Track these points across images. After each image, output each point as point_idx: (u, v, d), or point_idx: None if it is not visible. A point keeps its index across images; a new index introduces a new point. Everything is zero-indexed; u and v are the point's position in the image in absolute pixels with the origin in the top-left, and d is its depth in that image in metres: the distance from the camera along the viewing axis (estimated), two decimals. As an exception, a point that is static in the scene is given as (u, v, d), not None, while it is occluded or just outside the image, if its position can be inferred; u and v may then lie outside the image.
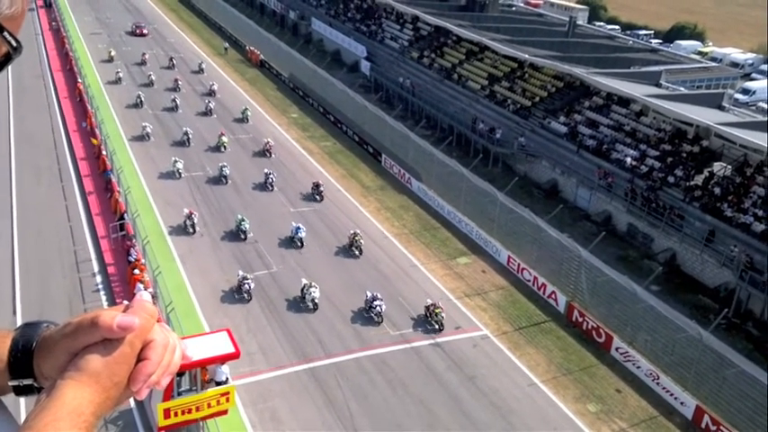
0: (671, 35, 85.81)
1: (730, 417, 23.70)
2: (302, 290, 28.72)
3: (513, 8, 77.60)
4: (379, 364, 26.10)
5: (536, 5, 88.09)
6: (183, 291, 29.37)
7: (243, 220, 33.64)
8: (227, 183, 39.72)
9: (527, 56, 50.35)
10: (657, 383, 26.00)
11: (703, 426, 24.25)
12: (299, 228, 33.50)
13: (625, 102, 44.85)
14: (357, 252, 33.44)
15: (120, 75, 57.37)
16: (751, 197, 35.43)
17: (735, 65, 71.13)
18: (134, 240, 30.92)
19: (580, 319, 29.56)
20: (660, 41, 74.73)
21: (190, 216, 33.84)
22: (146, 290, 26.66)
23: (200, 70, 61.58)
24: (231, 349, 20.23)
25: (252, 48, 68.55)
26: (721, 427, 23.66)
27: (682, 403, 25.14)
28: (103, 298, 28.73)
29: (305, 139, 49.33)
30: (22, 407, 2.37)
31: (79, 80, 53.00)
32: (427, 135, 48.69)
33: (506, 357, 27.26)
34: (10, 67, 1.81)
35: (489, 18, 64.90)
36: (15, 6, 1.68)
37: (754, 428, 23.05)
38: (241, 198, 38.55)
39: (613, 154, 41.40)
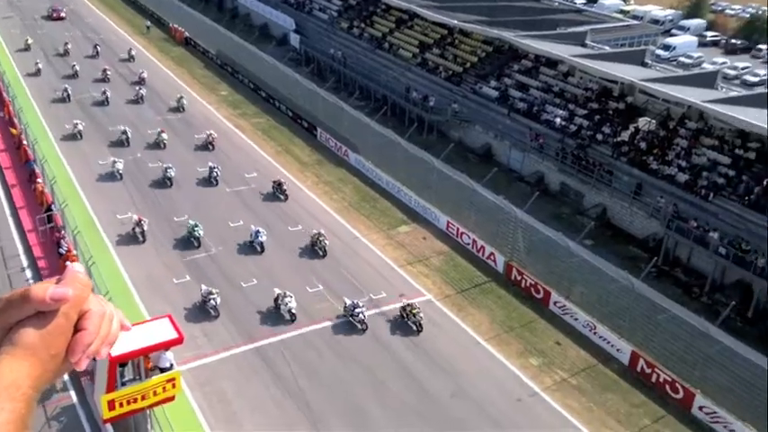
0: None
1: (664, 358, 24.97)
2: (276, 300, 26.99)
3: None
4: (327, 337, 26.23)
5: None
6: (118, 279, 28.64)
7: (196, 227, 31.37)
8: (171, 185, 36.67)
9: (456, 22, 50.52)
10: (595, 333, 27.11)
11: (639, 369, 25.50)
12: (258, 232, 31.26)
13: (553, 63, 45.71)
14: (299, 226, 33.33)
15: (40, 65, 52.90)
16: (674, 149, 36.91)
17: (655, 22, 73.37)
18: (63, 232, 29.82)
19: (519, 278, 30.40)
20: (584, 1, 76.26)
21: (139, 223, 31.34)
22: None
23: (130, 58, 57.13)
24: (174, 335, 19.76)
25: (175, 25, 66.29)
26: (656, 369, 24.94)
27: (618, 350, 26.32)
28: (35, 293, 27.68)
29: (237, 117, 48.35)
30: None
31: (-8, 69, 50.09)
32: (361, 106, 48.47)
33: (450, 320, 27.83)
34: None
35: (417, -15, 64.56)
36: None
37: (686, 368, 24.37)
38: (189, 199, 35.66)
39: (543, 115, 42.28)
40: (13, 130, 40.26)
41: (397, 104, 49.15)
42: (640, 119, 39.71)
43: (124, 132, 41.50)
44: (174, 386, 21.05)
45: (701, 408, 23.59)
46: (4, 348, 1.66)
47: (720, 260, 30.91)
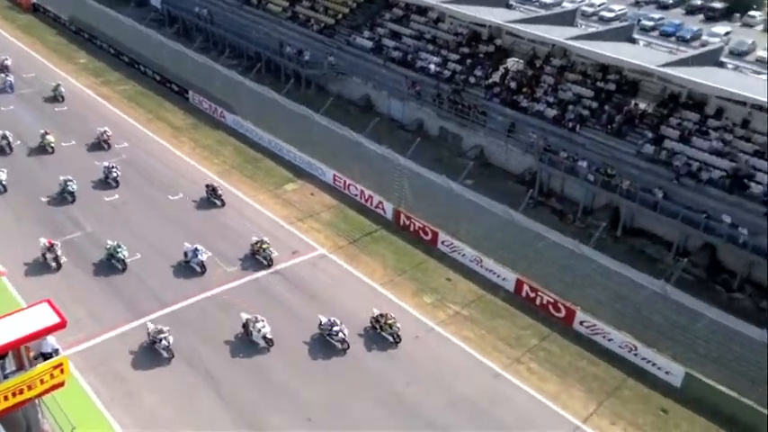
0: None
1: (545, 282, 26.64)
2: (244, 327, 23.94)
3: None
4: (221, 303, 25.73)
5: None
6: None
7: (118, 248, 27.11)
8: (73, 201, 31.41)
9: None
10: (481, 266, 28.39)
11: (524, 294, 27.08)
12: (197, 250, 27.06)
13: (423, 10, 46.12)
14: (180, 194, 32.06)
15: None
16: (542, 86, 38.68)
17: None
18: None
19: (407, 223, 31.09)
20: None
21: (50, 248, 26.85)
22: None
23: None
24: (55, 319, 18.72)
25: (19, -9, 60.47)
26: (539, 293, 26.59)
27: (504, 279, 27.75)
28: None
29: (99, 86, 45.25)
30: None
31: None
32: (234, 65, 46.83)
33: (345, 270, 28.11)
34: None
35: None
36: None
37: (566, 288, 26.15)
38: (95, 213, 31.01)
39: (418, 63, 42.77)
40: None
41: (272, 61, 47.91)
42: (509, 60, 41.15)
43: (4, 137, 35.82)
44: (62, 371, 20.02)
45: (581, 323, 25.49)
46: None
47: (590, 187, 33.10)
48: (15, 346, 18.59)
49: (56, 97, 42.23)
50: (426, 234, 30.36)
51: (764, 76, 35.71)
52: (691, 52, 39.12)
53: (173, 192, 32.91)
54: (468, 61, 41.62)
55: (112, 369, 22.62)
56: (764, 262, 27.77)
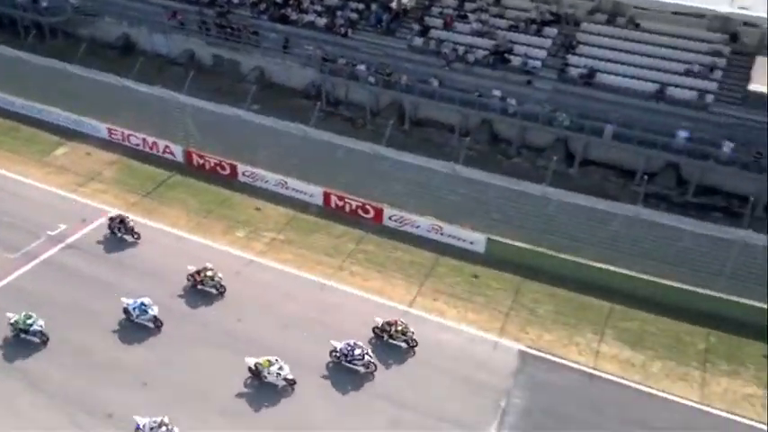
0: None
1: (349, 188, 27.40)
2: (255, 370, 19.99)
3: None
4: (13, 293, 23.07)
5: None
6: None
7: (29, 317, 21.29)
8: None
9: None
10: (287, 188, 28.35)
11: (333, 205, 27.67)
12: (143, 305, 21.77)
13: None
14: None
15: None
16: (306, -4, 38.04)
17: None
18: None
19: (201, 161, 29.80)
20: None
21: None
22: None
23: None
24: None
25: None
26: (346, 200, 27.32)
27: (311, 196, 28.05)
28: None
29: None
30: None
31: None
32: (-44, 26, 40.11)
33: (146, 226, 26.44)
34: None
35: None
36: None
37: (369, 189, 27.13)
38: None
39: (173, -11, 39.75)
40: None
41: (4, 14, 41.70)
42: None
43: None
44: None
45: (390, 218, 26.78)
46: None
47: (372, 89, 33.90)
48: None
49: None
50: (224, 169, 29.40)
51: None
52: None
53: None
54: (225, -20, 39.47)
55: None
56: (534, 125, 30.88)
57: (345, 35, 35.95)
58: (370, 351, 20.47)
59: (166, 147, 30.47)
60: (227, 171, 29.34)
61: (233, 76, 37.28)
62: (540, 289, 24.12)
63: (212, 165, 29.57)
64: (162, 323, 21.75)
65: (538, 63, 32.76)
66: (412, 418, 19.27)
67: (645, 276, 23.51)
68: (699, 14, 31.10)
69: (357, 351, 20.13)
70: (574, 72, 32.02)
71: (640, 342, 22.17)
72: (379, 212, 26.90)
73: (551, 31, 33.82)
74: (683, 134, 28.52)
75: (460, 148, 27.09)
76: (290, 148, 28.37)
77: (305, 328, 22.00)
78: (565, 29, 33.78)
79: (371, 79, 33.62)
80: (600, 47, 32.64)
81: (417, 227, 26.40)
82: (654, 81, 30.77)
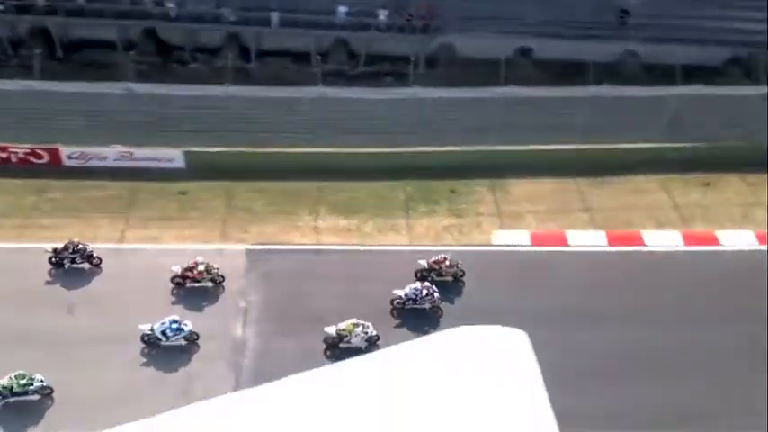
0: None
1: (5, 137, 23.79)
2: (337, 337, 18.00)
3: None
4: None
5: None
6: None
7: (23, 377, 16.53)
8: None
9: None
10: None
11: (-5, 160, 23.85)
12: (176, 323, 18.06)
13: None
14: None
15: None
16: None
17: None
18: None
19: None
20: None
21: None
22: None
23: None
24: None
25: None
26: (9, 150, 23.80)
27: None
28: None
29: None
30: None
31: None
32: None
33: None
34: None
35: None
36: None
37: (34, 133, 23.85)
38: None
39: None
40: None
41: None
42: None
43: None
44: None
45: (70, 157, 24.05)
46: None
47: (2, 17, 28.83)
48: None
49: None
50: None
51: None
52: None
53: None
54: None
55: None
56: (201, 27, 29.47)
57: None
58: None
59: None
60: None
61: None
62: (251, 187, 24.20)
63: None
64: (198, 335, 18.26)
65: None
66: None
67: (343, 150, 24.99)
68: None
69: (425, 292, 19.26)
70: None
71: (352, 209, 23.84)
72: (55, 154, 23.93)
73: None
74: (342, 9, 29.76)
75: (127, 65, 24.94)
76: None
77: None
78: None
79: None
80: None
81: (104, 159, 24.13)
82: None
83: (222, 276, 19.78)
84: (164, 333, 17.75)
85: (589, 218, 23.59)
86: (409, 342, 15.18)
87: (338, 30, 29.94)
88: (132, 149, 24.11)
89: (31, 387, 16.44)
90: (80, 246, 19.71)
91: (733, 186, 25.00)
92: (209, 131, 24.33)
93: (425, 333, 17.66)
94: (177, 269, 19.39)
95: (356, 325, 18.00)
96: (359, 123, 25.24)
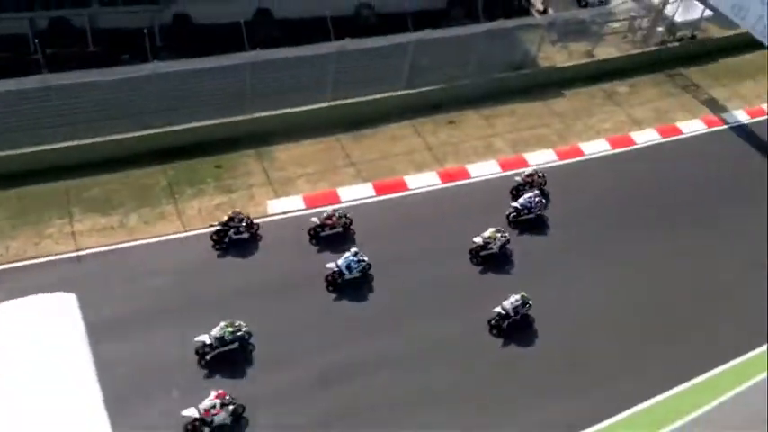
0: None
1: None
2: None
3: None
4: None
5: None
6: None
7: (231, 325, 18.08)
8: None
9: None
10: None
11: None
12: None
13: None
14: None
15: None
16: None
17: None
18: None
19: None
20: None
21: None
22: None
23: None
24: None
25: None
26: None
27: None
28: None
29: None
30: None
31: None
32: None
33: None
34: None
35: None
36: None
37: None
38: None
39: None
40: None
41: None
42: None
43: None
44: None
45: None
46: None
47: None
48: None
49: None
50: None
51: None
52: None
53: None
54: None
55: None
56: None
57: None
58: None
59: None
60: None
61: None
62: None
63: None
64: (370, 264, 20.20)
65: None
66: None
67: (85, 141, 22.59)
68: None
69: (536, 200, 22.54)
70: None
71: (109, 204, 21.81)
72: None
73: None
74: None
75: None
76: None
77: None
78: None
79: None
80: None
81: None
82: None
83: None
84: (348, 267, 19.78)
85: (356, 171, 24.35)
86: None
87: (54, 8, 26.56)
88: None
89: (239, 333, 17.67)
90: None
91: (472, 121, 27.50)
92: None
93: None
94: None
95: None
96: (98, 109, 22.80)
